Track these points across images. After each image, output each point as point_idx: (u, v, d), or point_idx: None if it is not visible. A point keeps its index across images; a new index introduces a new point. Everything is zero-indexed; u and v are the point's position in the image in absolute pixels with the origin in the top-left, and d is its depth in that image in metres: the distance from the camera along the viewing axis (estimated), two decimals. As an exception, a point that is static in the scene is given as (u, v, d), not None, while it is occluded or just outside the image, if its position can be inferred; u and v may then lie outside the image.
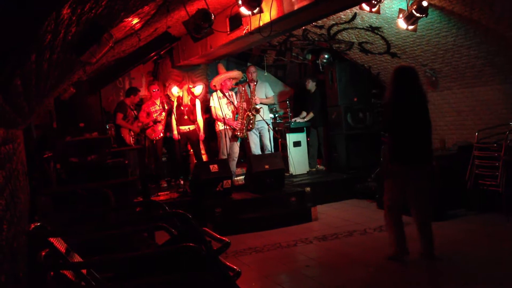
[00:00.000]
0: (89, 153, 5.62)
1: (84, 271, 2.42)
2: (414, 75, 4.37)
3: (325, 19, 6.40)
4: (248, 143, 7.71)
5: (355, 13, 6.14)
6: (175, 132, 7.59)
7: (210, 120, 8.28)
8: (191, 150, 7.94)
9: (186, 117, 7.55)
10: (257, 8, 4.66)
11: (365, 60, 7.52)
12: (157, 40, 6.67)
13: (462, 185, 5.92)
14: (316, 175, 8.02)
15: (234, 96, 7.73)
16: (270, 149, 7.69)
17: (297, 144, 8.10)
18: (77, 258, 2.54)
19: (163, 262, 2.43)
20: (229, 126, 7.48)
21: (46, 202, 3.93)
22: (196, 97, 7.85)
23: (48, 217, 3.47)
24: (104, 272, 2.60)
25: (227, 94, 7.57)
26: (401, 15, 5.29)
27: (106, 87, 7.89)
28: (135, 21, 4.28)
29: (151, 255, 2.67)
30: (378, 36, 6.56)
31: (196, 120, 7.67)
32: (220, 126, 7.59)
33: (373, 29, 6.40)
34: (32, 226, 2.54)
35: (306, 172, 8.16)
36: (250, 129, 7.54)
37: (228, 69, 8.41)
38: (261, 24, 5.14)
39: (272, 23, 5.00)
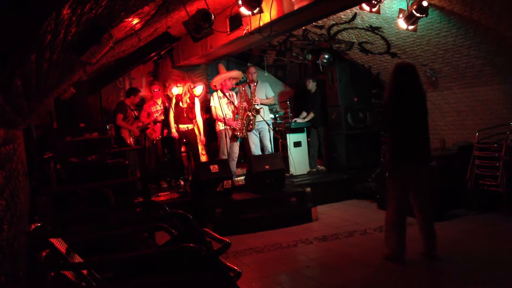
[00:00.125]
0: (89, 153, 5.63)
1: (84, 271, 2.42)
2: (413, 73, 4.36)
3: (325, 19, 6.40)
4: (248, 144, 7.70)
5: (355, 13, 6.14)
6: (173, 130, 7.58)
7: (210, 120, 8.28)
8: (185, 152, 7.89)
9: (185, 115, 7.53)
10: (257, 8, 4.65)
11: (365, 60, 7.52)
12: (157, 40, 6.67)
13: (462, 185, 5.92)
14: (316, 175, 8.01)
15: (235, 96, 7.72)
16: (270, 150, 7.68)
17: (297, 144, 8.10)
18: (78, 259, 2.54)
19: (163, 262, 2.43)
20: (229, 126, 7.48)
21: (46, 202, 3.93)
22: (195, 96, 7.85)
23: (48, 217, 3.47)
24: (104, 272, 2.60)
25: (227, 94, 7.56)
26: (401, 15, 5.29)
27: (106, 87, 7.89)
28: (135, 21, 4.28)
29: (151, 255, 2.67)
30: (378, 36, 6.56)
31: (195, 119, 7.65)
32: (220, 126, 7.58)
33: (373, 29, 6.39)
34: (33, 226, 2.54)
35: (306, 172, 8.15)
36: (250, 130, 7.53)
37: (228, 69, 8.41)
38: (261, 24, 5.13)
39: (272, 23, 5.00)
